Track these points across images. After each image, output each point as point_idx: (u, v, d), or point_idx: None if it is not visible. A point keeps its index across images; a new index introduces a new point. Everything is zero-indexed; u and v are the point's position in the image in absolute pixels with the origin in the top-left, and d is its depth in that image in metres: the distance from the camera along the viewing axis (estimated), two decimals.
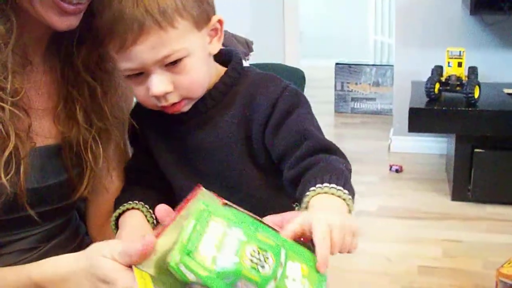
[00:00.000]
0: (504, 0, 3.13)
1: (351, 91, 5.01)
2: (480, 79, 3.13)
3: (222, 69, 1.10)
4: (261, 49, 3.24)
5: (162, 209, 0.85)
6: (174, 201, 0.96)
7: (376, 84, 4.94)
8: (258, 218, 0.80)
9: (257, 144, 1.05)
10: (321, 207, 0.86)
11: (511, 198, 3.06)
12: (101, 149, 1.09)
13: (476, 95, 3.01)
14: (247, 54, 3.06)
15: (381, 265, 2.52)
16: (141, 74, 0.99)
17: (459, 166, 3.13)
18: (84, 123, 1.06)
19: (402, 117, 3.38)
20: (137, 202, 1.08)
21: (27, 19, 0.94)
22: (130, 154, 1.21)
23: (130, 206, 1.07)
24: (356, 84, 4.99)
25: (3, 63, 0.90)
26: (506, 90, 3.31)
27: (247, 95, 1.05)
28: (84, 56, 1.04)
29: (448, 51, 3.12)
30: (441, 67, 3.19)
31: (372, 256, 2.59)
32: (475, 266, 2.50)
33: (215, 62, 1.09)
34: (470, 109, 2.99)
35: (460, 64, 3.10)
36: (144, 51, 0.94)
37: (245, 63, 2.39)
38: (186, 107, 1.04)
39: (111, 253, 0.78)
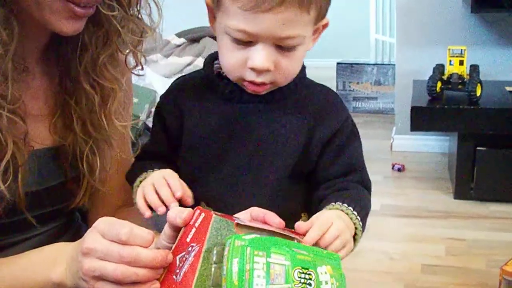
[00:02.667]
0: None
1: (353, 90, 5.00)
2: (482, 77, 3.13)
3: None
4: None
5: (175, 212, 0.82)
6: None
7: (378, 83, 4.94)
8: (271, 229, 0.82)
9: (310, 155, 1.05)
10: (335, 214, 0.95)
11: None
12: (98, 159, 1.08)
13: (478, 93, 3.01)
14: None
15: (384, 264, 2.52)
16: (249, 43, 0.96)
17: (461, 164, 3.13)
18: (81, 133, 1.05)
19: (404, 116, 3.38)
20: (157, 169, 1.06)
21: (29, 26, 0.94)
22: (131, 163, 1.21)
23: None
24: (358, 83, 4.99)
25: (4, 71, 0.89)
26: (508, 88, 3.31)
27: (319, 106, 1.06)
28: (86, 64, 1.03)
29: (449, 49, 3.12)
30: (442, 66, 3.19)
31: (376, 254, 2.59)
32: (479, 264, 2.50)
33: None
34: (472, 107, 2.99)
35: (461, 62, 3.10)
36: (273, 22, 0.91)
37: None
38: (265, 91, 1.02)
39: (102, 229, 0.78)
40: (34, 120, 1.02)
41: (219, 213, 0.79)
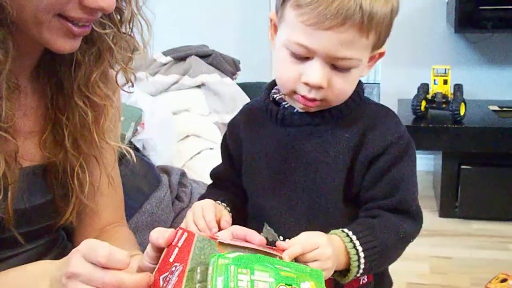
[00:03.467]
0: (487, 18, 3.17)
1: None
2: (466, 96, 3.17)
3: None
4: (248, 69, 3.25)
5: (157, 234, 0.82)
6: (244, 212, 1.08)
7: None
8: (253, 247, 0.83)
9: (355, 174, 1.05)
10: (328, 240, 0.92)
11: (498, 214, 3.08)
12: (87, 176, 1.08)
13: (462, 112, 3.04)
14: (234, 73, 3.07)
15: None
16: (305, 59, 0.98)
17: (446, 182, 3.15)
18: (72, 149, 1.05)
19: None
20: (219, 202, 1.11)
21: (23, 44, 0.94)
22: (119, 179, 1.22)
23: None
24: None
25: None
26: (491, 107, 3.34)
27: (366, 124, 1.06)
28: (79, 81, 1.03)
29: (433, 69, 3.15)
30: (427, 85, 3.22)
31: None
32: (463, 282, 2.50)
33: None
34: (456, 126, 3.02)
35: (445, 82, 3.13)
36: (332, 41, 0.94)
37: (232, 82, 2.41)
38: (315, 109, 1.04)
39: (84, 251, 0.78)
40: (24, 137, 1.03)
41: (201, 233, 0.79)
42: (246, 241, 0.86)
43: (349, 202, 1.06)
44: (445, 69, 3.12)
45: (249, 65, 3.32)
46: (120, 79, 1.11)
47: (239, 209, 1.13)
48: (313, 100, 1.01)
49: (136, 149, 2.15)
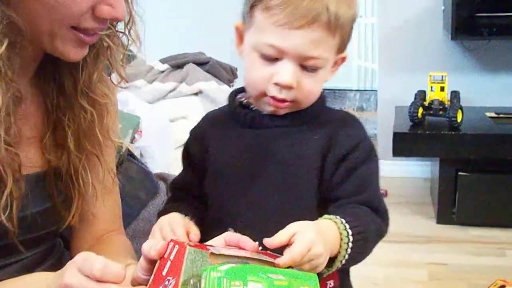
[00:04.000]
0: (483, 25, 3.18)
1: None
2: (463, 103, 3.17)
3: None
4: None
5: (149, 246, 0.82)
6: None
7: (361, 109, 4.97)
8: (246, 254, 0.82)
9: (326, 174, 1.07)
10: (317, 229, 0.92)
11: (496, 221, 3.08)
12: (89, 176, 1.09)
13: (459, 119, 3.05)
14: (231, 81, 3.08)
15: None
16: (275, 60, 1.02)
17: (443, 189, 3.15)
18: (75, 150, 1.06)
19: (386, 142, 3.40)
20: (184, 215, 1.08)
21: (27, 54, 0.95)
22: (117, 179, 1.21)
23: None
24: (341, 109, 5.01)
25: (6, 107, 0.90)
26: (488, 114, 3.35)
27: (334, 127, 1.09)
28: (82, 82, 1.05)
29: (430, 76, 3.15)
30: (424, 92, 3.22)
31: (359, 279, 2.57)
32: None
33: None
34: (453, 132, 3.03)
35: (442, 89, 3.13)
36: (302, 40, 0.99)
37: (230, 89, 2.41)
38: (285, 110, 1.07)
39: (79, 264, 0.78)
40: (25, 143, 1.03)
41: (193, 244, 0.79)
42: (239, 247, 0.86)
43: (321, 201, 1.08)
44: (442, 76, 3.12)
45: None
46: (114, 77, 1.13)
47: (201, 222, 1.11)
48: (284, 100, 1.04)
49: (133, 156, 2.15)
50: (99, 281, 0.77)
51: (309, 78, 1.03)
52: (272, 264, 0.83)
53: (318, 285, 0.80)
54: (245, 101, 1.12)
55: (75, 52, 0.95)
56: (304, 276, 0.80)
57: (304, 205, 1.07)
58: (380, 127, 3.96)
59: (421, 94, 3.21)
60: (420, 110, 3.13)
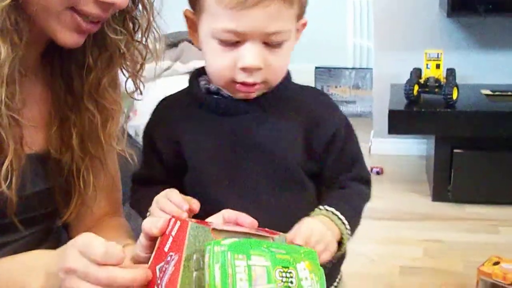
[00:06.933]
0: (480, 2, 3.16)
1: (332, 94, 5.02)
2: (458, 80, 3.16)
3: None
4: None
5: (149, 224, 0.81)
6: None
7: (356, 87, 4.97)
8: (246, 230, 0.83)
9: (315, 155, 1.07)
10: (318, 219, 0.99)
11: (491, 198, 3.10)
12: (91, 177, 1.09)
13: (455, 97, 3.04)
14: None
15: (363, 266, 2.54)
16: (236, 44, 0.96)
17: (439, 167, 3.16)
18: (78, 149, 1.06)
19: (382, 120, 3.40)
20: None
21: (34, 33, 0.94)
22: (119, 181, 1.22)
23: None
24: (336, 87, 5.01)
25: (12, 73, 0.89)
26: (484, 91, 3.35)
27: (311, 106, 1.08)
28: (90, 84, 1.04)
29: (426, 53, 3.14)
30: (419, 70, 3.21)
31: (354, 256, 2.59)
32: (456, 265, 2.52)
33: None
34: (448, 110, 3.03)
35: (438, 66, 3.12)
36: (260, 17, 0.93)
37: None
38: (256, 93, 1.02)
39: (81, 247, 0.78)
40: (30, 124, 1.02)
41: (194, 220, 0.79)
42: (237, 224, 0.86)
43: (312, 177, 1.09)
44: (438, 54, 3.12)
45: None
46: (129, 85, 1.12)
47: None
48: (254, 84, 0.99)
49: (128, 135, 2.15)
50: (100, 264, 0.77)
51: (275, 55, 0.98)
52: (272, 240, 0.84)
53: (318, 261, 0.81)
54: (212, 87, 1.06)
55: (70, 36, 0.94)
56: (305, 252, 0.81)
57: (295, 184, 1.07)
58: (376, 105, 3.96)
59: (416, 72, 3.20)
60: (416, 87, 3.12)
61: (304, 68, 5.86)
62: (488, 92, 3.35)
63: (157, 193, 1.00)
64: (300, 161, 1.06)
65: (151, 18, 1.04)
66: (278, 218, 0.97)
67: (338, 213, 1.02)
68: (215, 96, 1.06)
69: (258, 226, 0.87)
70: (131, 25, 1.04)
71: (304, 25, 1.05)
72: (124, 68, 1.08)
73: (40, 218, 1.09)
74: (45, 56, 1.06)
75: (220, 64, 0.98)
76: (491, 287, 2.22)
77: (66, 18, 0.91)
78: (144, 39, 1.06)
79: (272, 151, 1.04)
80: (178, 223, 0.78)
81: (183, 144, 1.07)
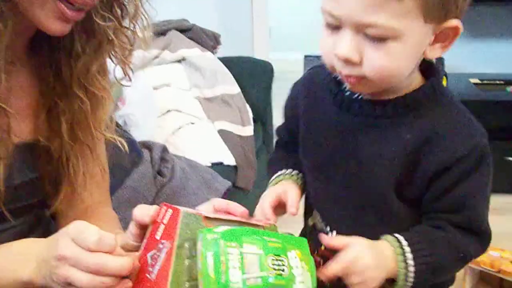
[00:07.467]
0: None
1: None
2: (447, 69, 3.18)
3: (419, 80, 0.97)
4: (230, 43, 3.23)
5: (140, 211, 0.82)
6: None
7: None
8: (237, 219, 0.83)
9: (415, 182, 0.94)
10: (374, 247, 0.90)
11: None
12: (81, 164, 1.08)
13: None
14: (214, 47, 3.05)
15: None
16: (337, 28, 0.86)
17: None
18: (67, 137, 1.05)
19: None
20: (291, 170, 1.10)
21: (20, 21, 0.93)
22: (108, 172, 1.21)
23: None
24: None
25: None
26: (472, 80, 3.36)
27: (434, 127, 0.92)
28: (78, 71, 1.03)
29: None
30: None
31: None
32: None
33: (417, 70, 0.96)
34: None
35: None
36: (355, 4, 0.81)
37: (213, 56, 2.37)
38: (361, 89, 0.92)
39: (73, 235, 0.78)
40: (15, 113, 1.01)
41: (186, 208, 0.79)
42: (228, 213, 0.86)
43: (406, 202, 0.96)
44: None
45: (230, 39, 3.30)
46: (118, 72, 1.12)
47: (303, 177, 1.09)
48: (349, 76, 0.88)
49: (117, 125, 2.14)
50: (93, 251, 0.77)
51: (376, 51, 0.84)
52: (262, 228, 0.84)
53: (308, 249, 0.81)
54: (339, 77, 0.95)
55: (55, 25, 0.92)
56: (296, 241, 0.81)
57: (382, 204, 0.96)
58: None
59: None
60: None
61: (294, 57, 5.87)
62: (477, 81, 3.36)
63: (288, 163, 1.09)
64: (394, 184, 0.94)
65: (139, 4, 1.03)
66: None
67: (406, 246, 0.90)
68: (336, 86, 1.00)
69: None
70: (119, 11, 1.03)
71: (455, 30, 0.91)
72: (112, 54, 1.07)
73: (29, 207, 1.08)
74: (33, 45, 1.05)
75: (324, 47, 0.90)
76: (479, 274, 2.24)
77: (50, 6, 0.90)
78: (132, 25, 1.05)
79: (368, 165, 0.96)
80: (170, 211, 0.78)
81: (301, 118, 1.07)
